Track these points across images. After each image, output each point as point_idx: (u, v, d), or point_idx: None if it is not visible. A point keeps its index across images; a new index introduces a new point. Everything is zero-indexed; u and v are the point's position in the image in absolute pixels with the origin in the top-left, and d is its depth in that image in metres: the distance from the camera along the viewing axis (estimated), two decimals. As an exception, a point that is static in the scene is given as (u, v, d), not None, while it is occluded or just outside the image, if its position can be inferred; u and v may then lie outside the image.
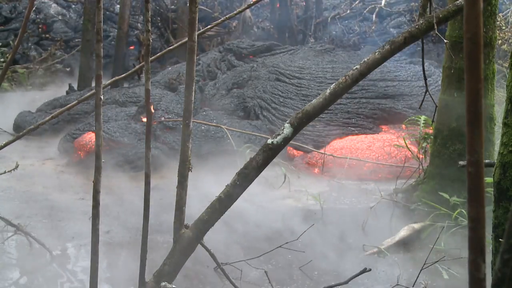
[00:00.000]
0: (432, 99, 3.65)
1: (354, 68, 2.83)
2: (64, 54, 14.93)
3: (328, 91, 2.81)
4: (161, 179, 6.82)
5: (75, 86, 11.19)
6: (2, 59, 12.96)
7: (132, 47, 14.57)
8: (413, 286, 4.13)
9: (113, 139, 7.66)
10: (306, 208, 6.18)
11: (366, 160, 7.38)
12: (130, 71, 3.93)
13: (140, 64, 3.72)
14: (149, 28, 2.65)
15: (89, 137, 7.79)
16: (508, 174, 2.51)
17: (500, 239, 2.47)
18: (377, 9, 13.61)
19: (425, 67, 3.76)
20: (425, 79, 3.51)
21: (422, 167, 6.16)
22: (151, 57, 2.81)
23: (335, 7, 15.70)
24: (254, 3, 4.01)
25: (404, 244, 5.10)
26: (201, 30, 3.36)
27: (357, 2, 14.70)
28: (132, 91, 9.55)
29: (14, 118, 9.61)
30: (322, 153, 7.58)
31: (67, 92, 10.73)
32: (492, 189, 2.62)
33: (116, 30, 12.59)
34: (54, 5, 16.92)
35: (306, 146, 7.90)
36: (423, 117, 6.51)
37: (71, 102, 3.73)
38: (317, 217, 5.81)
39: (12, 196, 6.37)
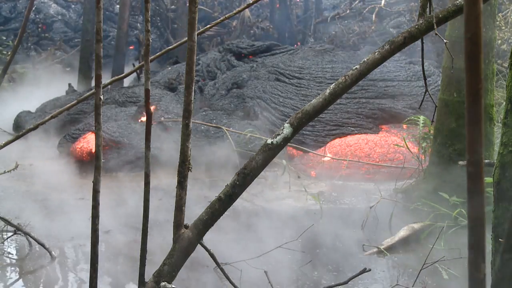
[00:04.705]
0: (432, 99, 3.65)
1: (354, 68, 2.83)
2: (64, 54, 14.94)
3: (327, 91, 2.81)
4: (160, 179, 6.82)
5: (75, 86, 11.19)
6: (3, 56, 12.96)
7: (131, 47, 14.58)
8: (413, 286, 4.13)
9: (113, 139, 7.66)
10: (306, 208, 6.18)
11: (366, 162, 7.38)
12: (129, 71, 3.93)
13: (140, 64, 3.72)
14: (149, 28, 2.65)
15: (81, 145, 7.74)
16: (507, 174, 2.51)
17: (500, 239, 2.47)
18: (376, 9, 13.61)
19: (424, 67, 3.76)
20: (425, 79, 3.51)
21: (422, 167, 6.16)
22: (150, 57, 2.81)
23: (335, 7, 15.70)
24: (253, 3, 4.01)
25: (404, 244, 5.10)
26: (201, 30, 3.36)
27: (357, 2, 14.69)
28: (132, 91, 9.55)
29: (14, 118, 9.61)
30: (321, 155, 7.58)
31: (67, 92, 10.73)
32: (492, 189, 2.62)
33: (115, 30, 12.59)
34: (54, 5, 16.93)
35: (306, 149, 7.89)
36: (422, 117, 6.50)
37: (71, 102, 3.73)
38: (317, 217, 5.81)
39: (12, 196, 6.37)
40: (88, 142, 7.76)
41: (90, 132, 7.99)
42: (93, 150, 7.36)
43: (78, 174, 7.39)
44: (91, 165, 6.23)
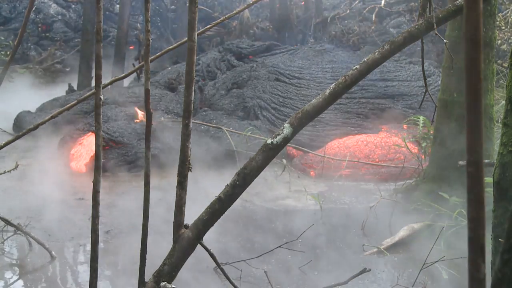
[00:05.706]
0: (432, 99, 3.66)
1: (354, 68, 2.83)
2: (64, 54, 14.95)
3: (327, 91, 2.81)
4: (161, 179, 6.82)
5: (75, 86, 11.19)
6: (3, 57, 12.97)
7: (131, 47, 14.57)
8: (413, 286, 4.13)
9: (113, 139, 7.66)
10: (306, 208, 6.18)
11: (366, 162, 7.37)
12: (130, 71, 3.93)
13: (140, 64, 3.72)
14: (149, 28, 2.65)
15: (74, 164, 7.72)
16: (507, 174, 2.50)
17: (500, 239, 2.47)
18: (376, 9, 13.60)
19: (424, 67, 3.76)
20: (425, 79, 3.51)
21: (422, 167, 6.16)
22: (150, 57, 2.81)
23: (335, 7, 15.69)
24: (254, 3, 4.01)
25: (404, 244, 5.10)
26: (201, 30, 3.36)
27: (357, 2, 14.69)
28: (132, 91, 9.55)
29: (14, 118, 9.61)
30: (321, 155, 7.57)
31: (67, 92, 10.73)
32: (492, 189, 2.61)
33: (115, 30, 12.59)
34: (54, 5, 16.93)
35: (306, 149, 7.89)
36: (422, 117, 6.50)
37: (71, 102, 3.73)
38: (317, 217, 5.81)
39: (12, 196, 6.37)
40: (80, 156, 7.69)
41: (90, 133, 7.98)
42: (84, 170, 7.40)
43: (78, 174, 7.38)
44: (91, 165, 6.22)
